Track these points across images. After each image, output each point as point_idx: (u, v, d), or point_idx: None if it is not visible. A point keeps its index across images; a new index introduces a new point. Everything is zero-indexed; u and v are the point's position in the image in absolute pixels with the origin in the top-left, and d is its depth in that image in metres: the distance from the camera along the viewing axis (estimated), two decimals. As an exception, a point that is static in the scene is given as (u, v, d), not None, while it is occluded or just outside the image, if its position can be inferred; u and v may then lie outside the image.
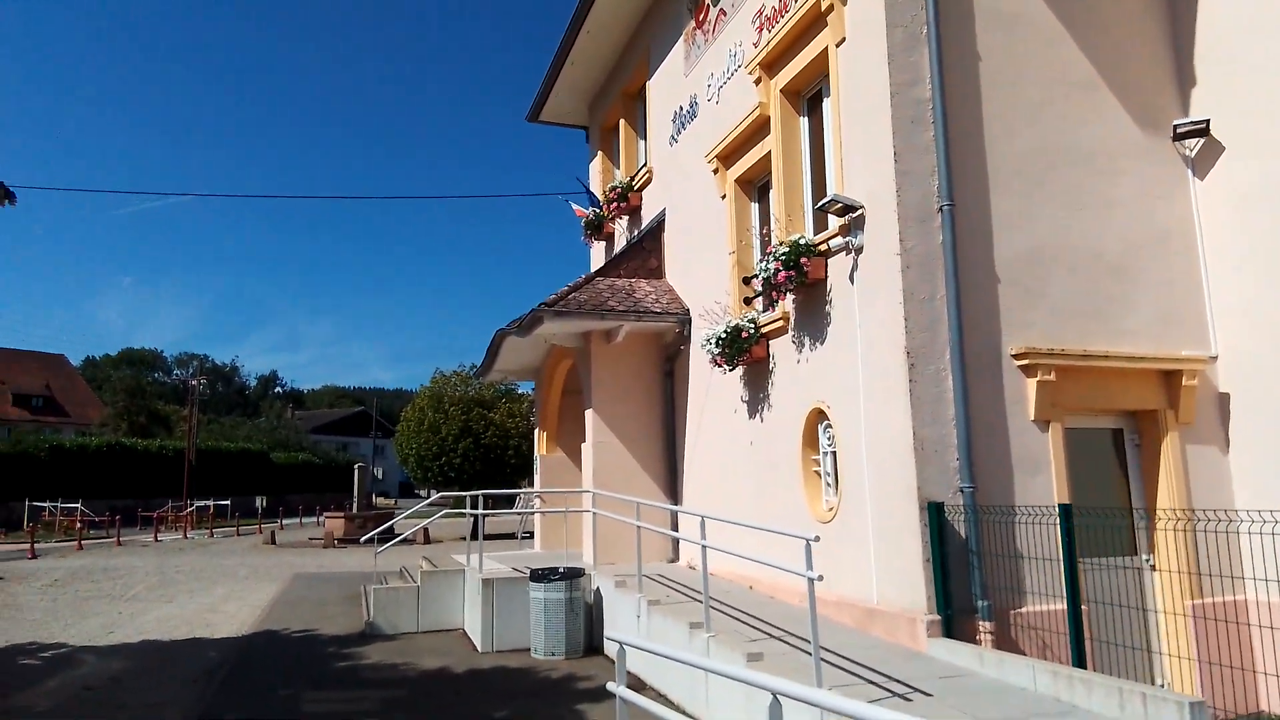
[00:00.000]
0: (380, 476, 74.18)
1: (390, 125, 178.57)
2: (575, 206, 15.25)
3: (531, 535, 16.64)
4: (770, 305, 9.82)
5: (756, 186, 10.35)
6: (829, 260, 8.22)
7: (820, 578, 5.41)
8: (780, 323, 9.01)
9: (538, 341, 13.11)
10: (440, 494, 13.42)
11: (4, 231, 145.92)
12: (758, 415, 9.60)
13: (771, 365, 9.30)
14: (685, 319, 11.57)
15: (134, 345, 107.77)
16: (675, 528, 11.53)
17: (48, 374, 76.44)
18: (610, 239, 15.25)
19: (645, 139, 14.28)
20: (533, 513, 13.94)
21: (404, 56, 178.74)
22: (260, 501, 42.66)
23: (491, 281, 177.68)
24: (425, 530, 24.70)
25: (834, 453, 8.31)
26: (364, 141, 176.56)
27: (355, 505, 30.17)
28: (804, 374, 8.61)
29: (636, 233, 13.65)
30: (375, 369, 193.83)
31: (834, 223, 8.42)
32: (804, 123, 9.25)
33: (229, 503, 39.78)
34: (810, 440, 8.58)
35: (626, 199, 13.63)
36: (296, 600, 14.38)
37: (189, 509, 38.33)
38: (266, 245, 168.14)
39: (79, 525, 29.49)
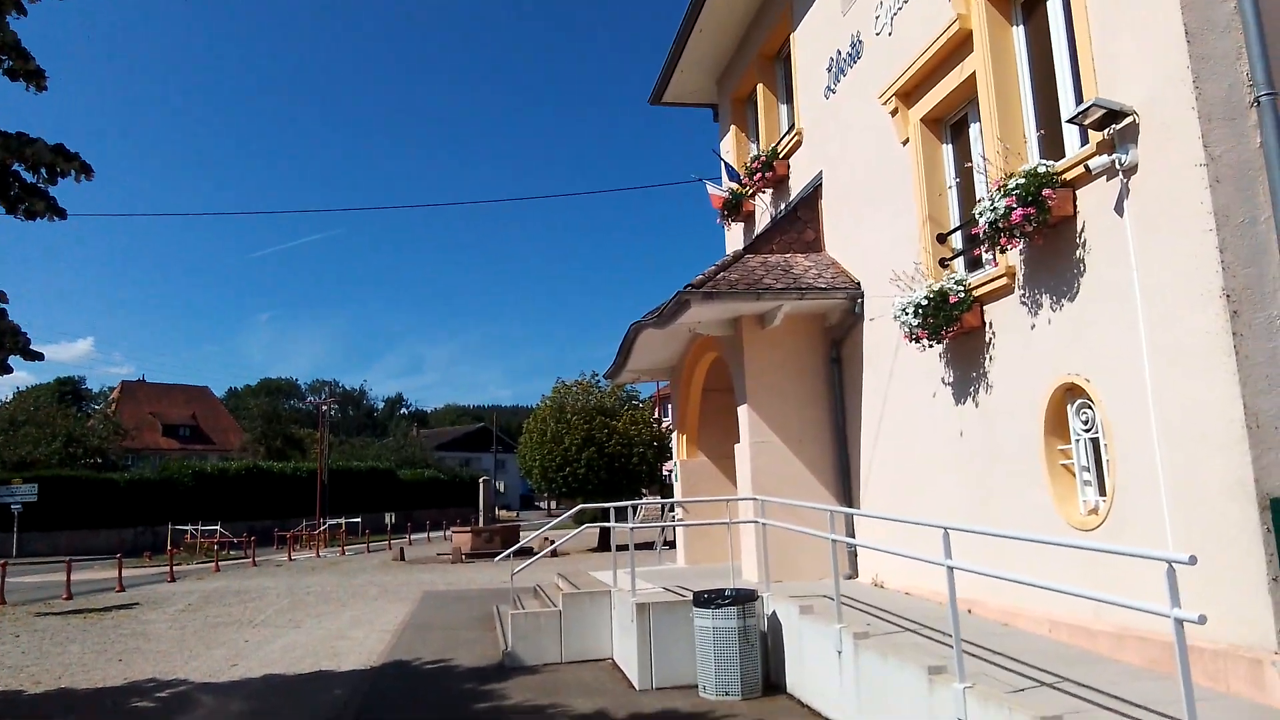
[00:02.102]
0: (502, 490, 74.61)
1: (497, 130, 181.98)
2: (710, 188, 13.70)
3: (672, 545, 15.09)
4: (974, 264, 7.99)
5: (948, 124, 8.54)
6: (1077, 192, 6.36)
7: (1202, 619, 3.59)
8: (1002, 281, 7.17)
9: (679, 332, 11.60)
10: (580, 505, 12.03)
11: (155, 277, 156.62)
12: (969, 399, 7.76)
13: (989, 335, 7.46)
14: (856, 294, 9.82)
15: (271, 375, 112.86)
16: (851, 535, 9.79)
17: (194, 405, 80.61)
18: (750, 219, 13.63)
19: (789, 101, 12.61)
20: (688, 525, 12.39)
21: (513, 59, 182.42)
22: (389, 518, 42.90)
23: (607, 290, 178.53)
24: (550, 542, 23.52)
25: (1094, 439, 6.41)
26: (466, 152, 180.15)
27: (481, 519, 29.45)
28: (1042, 342, 6.75)
29: (784, 205, 11.99)
30: (493, 387, 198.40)
31: (1070, 148, 6.57)
32: (1018, 32, 7.41)
33: (360, 520, 40.07)
34: (1055, 426, 6.70)
35: (771, 168, 11.98)
36: (426, 624, 13.30)
37: (322, 527, 38.76)
38: (391, 273, 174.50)
39: (216, 547, 29.88)
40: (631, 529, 9.15)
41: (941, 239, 8.27)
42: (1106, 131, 5.95)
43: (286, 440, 67.64)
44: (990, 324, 7.45)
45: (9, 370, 7.00)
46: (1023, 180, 6.32)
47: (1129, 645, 5.74)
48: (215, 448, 72.35)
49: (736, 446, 10.65)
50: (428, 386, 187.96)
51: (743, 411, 10.43)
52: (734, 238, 14.23)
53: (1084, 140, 6.48)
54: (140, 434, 70.58)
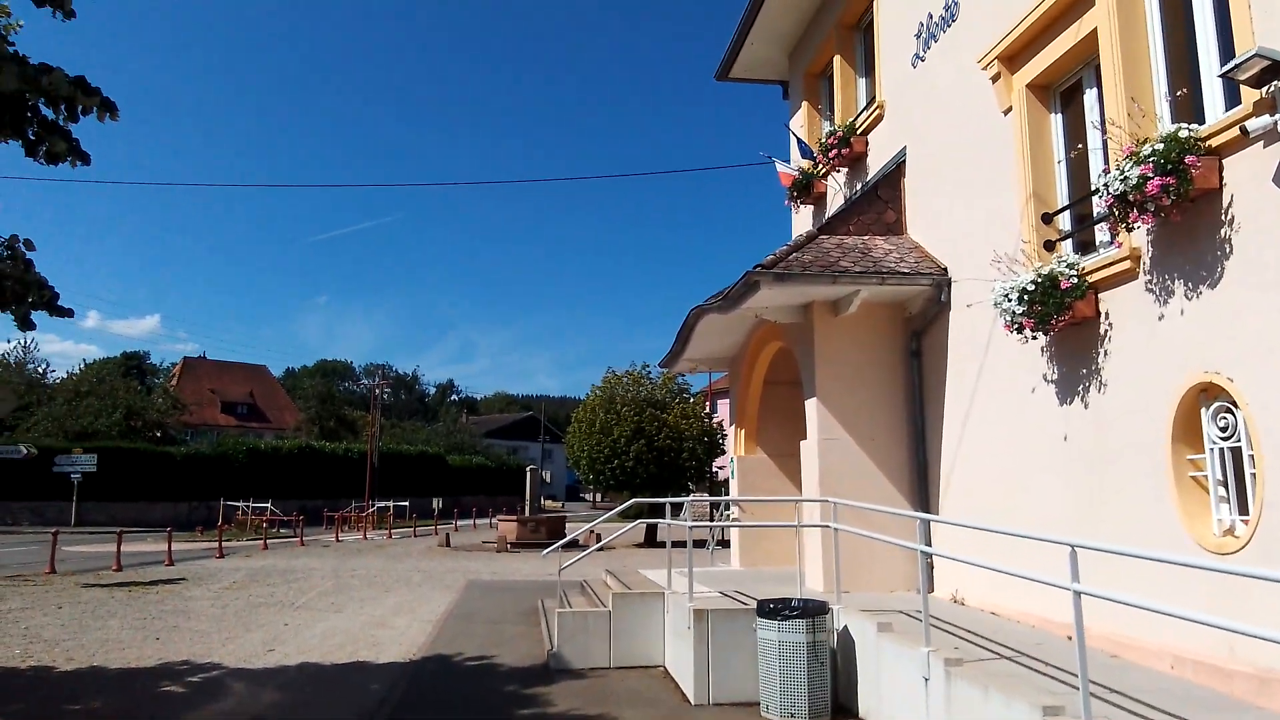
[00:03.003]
0: (548, 480, 74.51)
1: (556, 114, 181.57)
2: (779, 166, 12.92)
3: (726, 545, 14.39)
4: (1084, 248, 7.12)
5: (1057, 91, 7.65)
6: (1223, 161, 5.49)
7: None
8: (1124, 265, 6.30)
9: (743, 319, 10.88)
10: (631, 500, 11.39)
11: (219, 253, 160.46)
12: (1076, 398, 6.90)
13: (1104, 327, 6.60)
14: (942, 281, 8.98)
15: (327, 357, 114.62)
16: (928, 543, 8.97)
17: (252, 383, 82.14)
18: (821, 202, 12.81)
19: (869, 74, 11.76)
20: (750, 525, 11.68)
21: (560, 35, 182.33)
22: (436, 503, 42.91)
23: (660, 282, 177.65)
24: (597, 536, 22.90)
25: (1236, 449, 5.54)
26: (528, 137, 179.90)
27: (527, 508, 29.05)
28: (1173, 335, 5.89)
29: (861, 186, 11.16)
30: (541, 377, 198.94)
31: (1211, 114, 5.69)
32: (1149, -17, 6.52)
33: (407, 504, 40.09)
34: (1185, 431, 5.83)
35: (848, 144, 11.15)
36: (470, 615, 12.81)
37: (370, 509, 38.86)
38: (446, 260, 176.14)
39: (265, 524, 30.01)
40: (691, 526, 8.46)
41: (1047, 219, 7.41)
42: (1267, 89, 5.08)
43: (340, 421, 68.51)
44: (1107, 314, 6.59)
45: (32, 326, 6.60)
46: (1161, 146, 5.47)
47: (1276, 690, 4.88)
48: (271, 426, 73.61)
49: (803, 443, 9.90)
50: (478, 374, 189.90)
51: (811, 405, 9.68)
52: (802, 222, 13.41)
53: (1231, 103, 5.61)
54: (200, 410, 72.16)
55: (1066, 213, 7.44)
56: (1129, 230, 6.05)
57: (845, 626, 7.42)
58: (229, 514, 34.63)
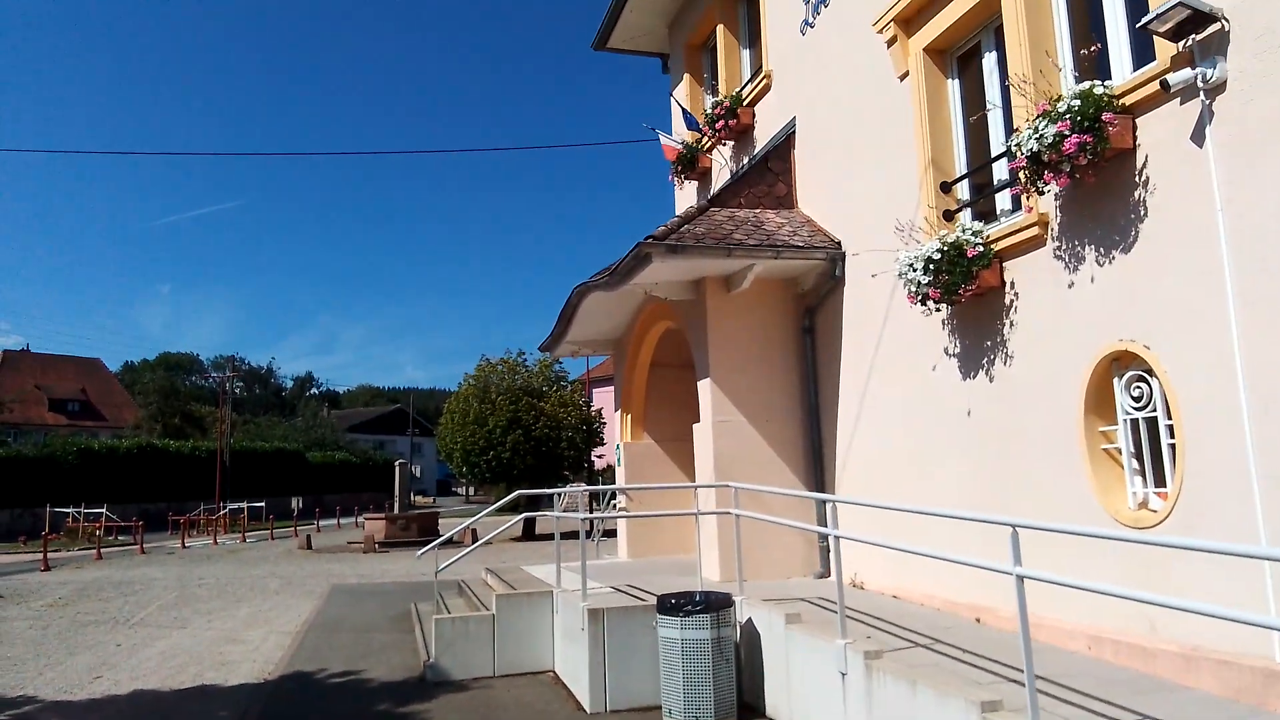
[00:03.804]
0: (419, 474, 72.06)
1: (424, 80, 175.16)
2: (663, 139, 12.40)
3: (611, 535, 13.85)
4: (982, 218, 6.91)
5: (955, 55, 7.42)
6: (1137, 120, 5.30)
7: None
8: (1031, 231, 6.09)
9: (631, 296, 10.31)
10: (518, 491, 10.63)
11: (46, 238, 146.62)
12: (980, 372, 6.69)
13: (1010, 297, 6.38)
14: (836, 254, 8.68)
15: (171, 350, 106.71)
16: (822, 525, 8.71)
17: (84, 379, 75.32)
18: (706, 178, 12.38)
19: (755, 44, 11.38)
20: (649, 515, 11.11)
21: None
22: (296, 503, 40.46)
23: (533, 264, 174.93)
24: (472, 532, 21.86)
25: (1151, 419, 5.38)
26: (392, 105, 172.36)
27: (397, 505, 27.60)
28: (1084, 303, 5.69)
29: (748, 159, 10.77)
30: (409, 369, 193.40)
31: (1118, 74, 5.53)
32: (1049, -59, 6.31)
33: (263, 505, 37.49)
34: (1097, 403, 5.66)
35: (735, 116, 10.73)
36: (334, 624, 11.73)
37: (221, 512, 36.15)
38: (304, 246, 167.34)
39: (100, 531, 27.28)
40: (584, 519, 7.79)
41: (946, 188, 7.18)
42: (1184, 43, 4.89)
43: (185, 418, 63.75)
44: (1012, 283, 6.38)
45: None
46: (1077, 102, 5.21)
47: (1203, 669, 4.72)
48: (107, 424, 67.70)
49: (696, 426, 9.43)
50: (340, 366, 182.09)
51: (704, 387, 9.21)
52: (686, 198, 12.96)
53: (1140, 61, 5.44)
54: (23, 408, 65.55)
55: (965, 181, 7.23)
56: (1040, 193, 5.82)
57: (750, 619, 6.97)
58: (58, 521, 31.30)
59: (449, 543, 12.18)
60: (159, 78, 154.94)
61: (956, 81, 7.42)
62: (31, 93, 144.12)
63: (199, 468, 44.70)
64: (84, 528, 30.27)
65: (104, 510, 30.73)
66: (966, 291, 6.42)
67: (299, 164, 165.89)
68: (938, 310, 6.92)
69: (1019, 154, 5.60)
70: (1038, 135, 5.40)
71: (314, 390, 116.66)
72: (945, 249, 6.38)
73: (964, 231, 6.46)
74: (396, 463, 29.77)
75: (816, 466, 9.06)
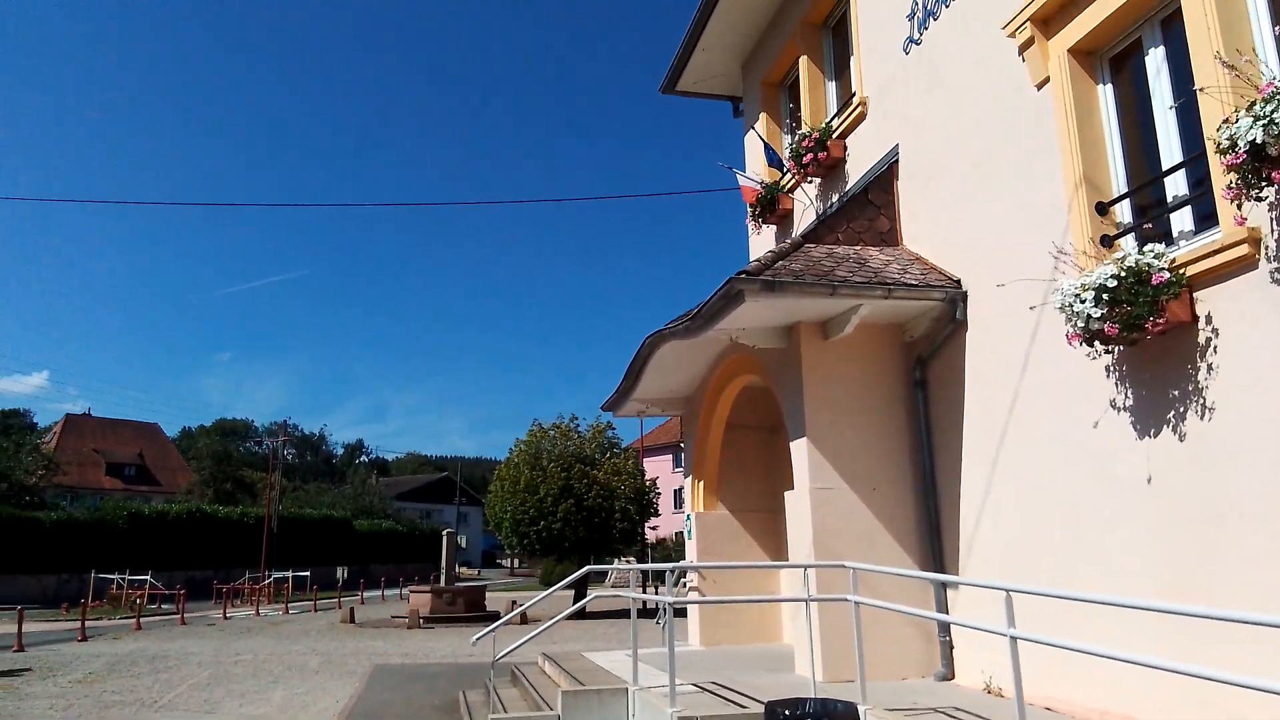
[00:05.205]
0: (464, 545, 70.82)
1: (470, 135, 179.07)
2: (741, 179, 11.47)
3: (678, 616, 12.48)
4: (1153, 240, 5.69)
5: (1106, 57, 6.33)
6: (1404, 100, 4.12)
7: None
8: (1239, 251, 4.87)
9: (711, 346, 9.25)
10: (586, 567, 9.43)
11: (118, 307, 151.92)
12: (1167, 428, 5.40)
13: (1205, 333, 5.14)
14: (956, 295, 7.50)
15: (228, 416, 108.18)
16: (944, 611, 7.36)
17: (142, 443, 76.30)
18: (786, 220, 11.37)
19: (841, 75, 10.47)
20: (762, 601, 9.80)
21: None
22: (341, 572, 39.43)
23: (589, 335, 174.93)
24: (515, 605, 20.48)
25: None
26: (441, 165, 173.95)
27: (444, 577, 26.38)
28: (1327, 335, 4.43)
29: (838, 197, 9.74)
30: (456, 438, 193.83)
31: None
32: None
33: (308, 574, 36.59)
34: (1356, 464, 4.35)
35: (824, 148, 9.74)
36: (375, 714, 10.48)
37: (266, 581, 35.31)
38: (361, 317, 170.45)
39: (142, 600, 26.51)
40: (670, 604, 6.52)
41: (1103, 209, 6.01)
42: None
43: (237, 484, 63.90)
44: (1208, 317, 5.14)
45: None
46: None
47: None
48: (161, 489, 68.09)
49: (788, 495, 8.19)
50: (390, 434, 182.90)
51: (799, 448, 8.00)
52: (761, 245, 11.92)
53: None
54: (81, 471, 66.27)
55: (1127, 201, 6.06)
56: (1258, 199, 4.62)
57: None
58: (102, 588, 30.71)
59: (494, 617, 10.97)
60: (221, 131, 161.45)
61: (1109, 87, 6.31)
62: (111, 156, 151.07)
63: (246, 534, 44.20)
64: (127, 595, 29.59)
65: (148, 577, 30.07)
66: (1153, 327, 5.18)
67: (361, 233, 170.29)
68: (1107, 353, 5.69)
69: (1233, 149, 4.43)
70: (1265, 120, 4.23)
71: (363, 458, 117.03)
72: (1122, 275, 5.18)
73: (1145, 254, 5.25)
74: (444, 532, 28.66)
75: (934, 544, 7.72)
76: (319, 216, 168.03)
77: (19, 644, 17.47)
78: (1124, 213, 6.10)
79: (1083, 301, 5.34)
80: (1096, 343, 5.48)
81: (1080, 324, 5.42)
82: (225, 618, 26.12)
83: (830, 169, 9.95)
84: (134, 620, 23.50)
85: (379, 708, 10.86)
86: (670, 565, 7.81)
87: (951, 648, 7.49)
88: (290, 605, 31.16)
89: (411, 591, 26.03)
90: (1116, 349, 5.62)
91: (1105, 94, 6.31)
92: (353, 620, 24.01)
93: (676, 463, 55.26)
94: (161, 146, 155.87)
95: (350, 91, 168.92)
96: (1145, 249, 5.27)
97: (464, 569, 61.15)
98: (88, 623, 21.31)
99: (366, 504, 66.08)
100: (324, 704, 11.28)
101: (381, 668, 14.68)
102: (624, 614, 23.43)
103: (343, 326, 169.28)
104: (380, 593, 39.66)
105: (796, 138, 10.21)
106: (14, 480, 40.78)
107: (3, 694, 12.21)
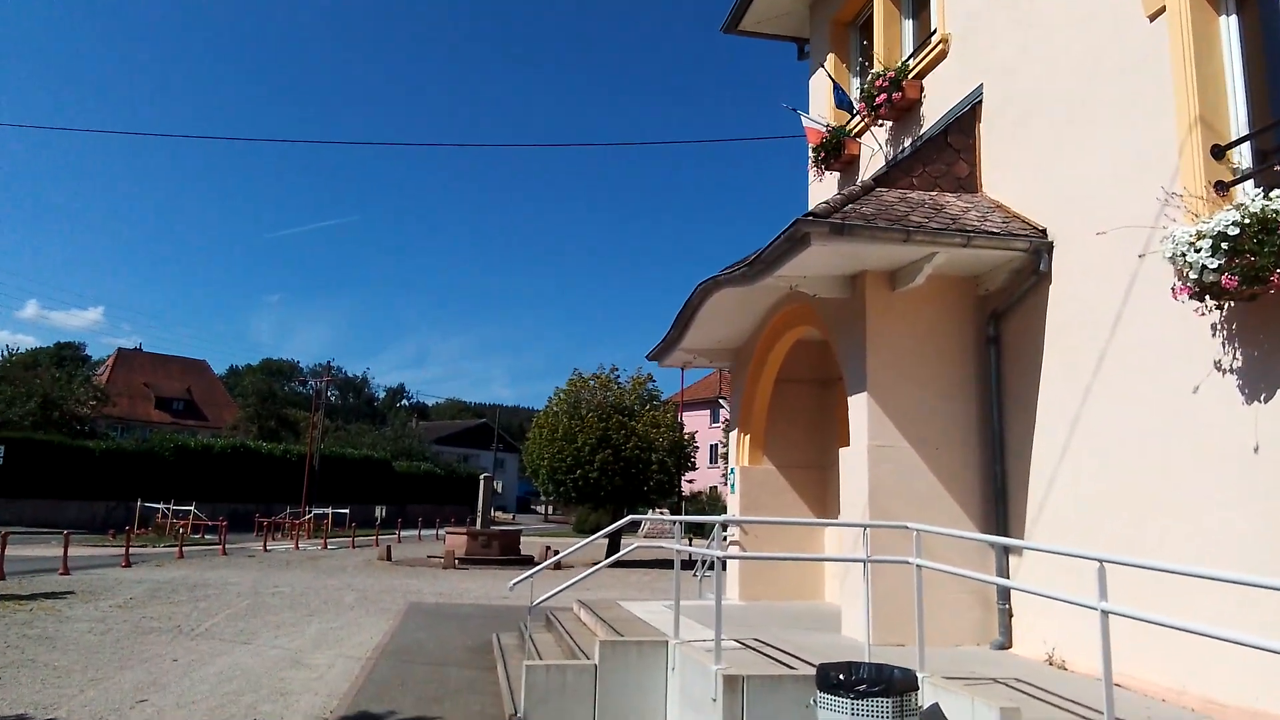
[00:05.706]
0: (499, 490, 71.60)
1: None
2: (805, 121, 10.88)
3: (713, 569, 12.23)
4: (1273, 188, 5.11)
5: (1232, -16, 5.71)
6: None
7: None
8: (1392, 195, 4.33)
9: (769, 292, 8.81)
10: (630, 515, 9.19)
11: (173, 245, 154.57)
12: (1278, 393, 4.91)
13: (1344, 289, 4.62)
14: (1041, 245, 6.97)
15: (274, 356, 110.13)
16: (1005, 577, 6.97)
17: (190, 379, 77.87)
18: (851, 167, 10.81)
19: (920, 13, 9.81)
20: (813, 559, 9.52)
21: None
22: (380, 511, 40.05)
23: (626, 285, 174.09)
24: (553, 551, 20.46)
25: None
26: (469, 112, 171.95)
27: (480, 520, 26.53)
28: None
29: (911, 141, 9.16)
30: (497, 386, 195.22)
31: None
32: None
33: (348, 511, 37.19)
34: None
35: (900, 89, 9.14)
36: (408, 652, 10.44)
37: (306, 516, 35.93)
38: (409, 262, 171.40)
39: (185, 530, 27.07)
40: (719, 558, 6.21)
41: (1219, 152, 5.44)
42: None
43: (280, 421, 65.05)
44: (1344, 271, 4.60)
45: None
46: None
47: None
48: (208, 424, 69.60)
49: (843, 451, 7.81)
50: (432, 380, 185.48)
51: (858, 403, 7.59)
52: (823, 192, 11.36)
53: None
54: (132, 404, 67.98)
55: (1247, 144, 5.48)
56: None
57: (937, 706, 5.29)
58: (147, 517, 31.45)
59: (528, 562, 10.81)
60: (284, 84, 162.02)
61: (1233, 18, 5.69)
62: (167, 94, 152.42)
63: (288, 470, 45.01)
64: (171, 524, 30.27)
65: (192, 508, 30.71)
66: (1268, 283, 4.66)
67: (412, 179, 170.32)
68: (1217, 308, 5.17)
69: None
70: None
71: (404, 402, 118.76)
72: (1246, 223, 4.65)
73: (1273, 199, 4.71)
74: (481, 476, 28.82)
75: (999, 508, 7.30)
76: (375, 159, 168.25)
77: (65, 567, 17.86)
78: (1242, 157, 5.53)
79: (1198, 251, 4.83)
80: (1208, 297, 4.97)
81: (1193, 275, 4.90)
82: (265, 550, 26.59)
83: (904, 111, 9.35)
84: (177, 549, 23.99)
85: (412, 647, 10.82)
86: (719, 518, 7.51)
87: (1011, 615, 7.11)
88: (329, 541, 31.67)
89: (448, 533, 26.23)
90: (1227, 305, 5.11)
91: (1228, 25, 5.69)
92: (389, 558, 24.27)
93: (714, 418, 55.04)
94: (219, 95, 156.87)
95: (408, 39, 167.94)
96: (1273, 194, 4.73)
97: (499, 514, 61.90)
98: (132, 549, 21.79)
99: (406, 446, 67.00)
100: (358, 639, 11.28)
101: (416, 605, 14.72)
102: (657, 564, 23.35)
103: (391, 272, 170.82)
104: (417, 532, 40.22)
105: (869, 78, 9.59)
106: (66, 409, 41.83)
107: (45, 615, 12.41)
